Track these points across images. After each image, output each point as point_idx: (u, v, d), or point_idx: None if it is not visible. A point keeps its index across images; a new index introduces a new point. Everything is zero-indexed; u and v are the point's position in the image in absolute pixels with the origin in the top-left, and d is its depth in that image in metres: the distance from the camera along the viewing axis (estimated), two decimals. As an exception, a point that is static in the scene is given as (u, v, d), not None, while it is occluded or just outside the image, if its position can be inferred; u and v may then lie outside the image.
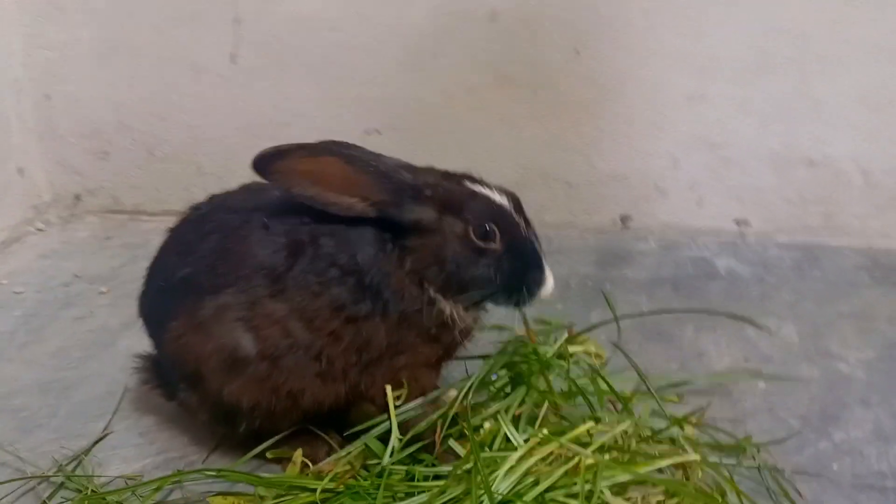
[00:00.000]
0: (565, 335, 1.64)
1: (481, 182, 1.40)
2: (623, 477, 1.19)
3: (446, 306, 1.38)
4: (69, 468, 1.43)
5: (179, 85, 2.35)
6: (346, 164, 1.34)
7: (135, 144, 2.42)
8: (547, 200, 2.46)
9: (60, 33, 2.30)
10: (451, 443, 1.33)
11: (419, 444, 1.41)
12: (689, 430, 1.50)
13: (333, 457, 1.42)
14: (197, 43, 2.31)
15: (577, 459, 1.21)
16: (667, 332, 1.96)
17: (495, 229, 1.34)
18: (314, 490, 1.29)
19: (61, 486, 1.39)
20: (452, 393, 1.46)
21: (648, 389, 1.53)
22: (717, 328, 1.96)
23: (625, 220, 2.50)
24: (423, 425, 1.39)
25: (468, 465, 1.20)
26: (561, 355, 1.55)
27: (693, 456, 1.26)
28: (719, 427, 1.53)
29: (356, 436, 1.43)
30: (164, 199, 2.46)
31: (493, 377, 1.54)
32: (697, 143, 2.39)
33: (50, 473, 1.41)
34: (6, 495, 1.37)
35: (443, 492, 1.21)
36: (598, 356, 1.79)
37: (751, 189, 2.43)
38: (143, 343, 1.59)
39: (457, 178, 1.39)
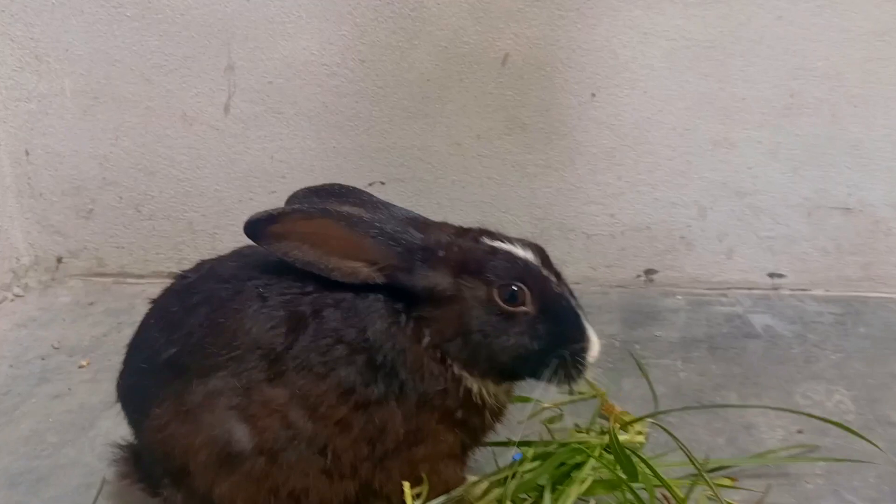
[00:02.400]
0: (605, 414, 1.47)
1: (500, 237, 1.23)
2: None
3: (474, 384, 1.20)
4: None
5: (168, 137, 2.19)
6: (347, 227, 1.17)
7: (121, 201, 2.25)
8: (565, 254, 2.29)
9: (40, 84, 2.15)
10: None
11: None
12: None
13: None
14: (187, 92, 2.16)
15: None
16: (709, 400, 1.78)
17: (524, 289, 1.17)
18: None
19: None
20: (481, 487, 1.27)
21: (703, 478, 1.34)
22: (762, 395, 1.79)
23: (649, 274, 2.33)
24: (446, 527, 1.20)
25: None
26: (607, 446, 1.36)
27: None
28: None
29: (367, 541, 1.24)
30: (152, 259, 2.28)
31: (516, 458, 1.35)
32: (725, 191, 2.24)
33: None
34: None
35: None
36: (638, 433, 1.60)
37: (783, 239, 2.27)
38: (124, 427, 1.40)
39: (472, 235, 1.23)
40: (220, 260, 1.31)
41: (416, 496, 1.21)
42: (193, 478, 1.21)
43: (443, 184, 2.23)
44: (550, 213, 2.27)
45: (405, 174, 2.21)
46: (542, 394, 1.72)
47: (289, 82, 2.15)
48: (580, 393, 1.76)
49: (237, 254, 1.31)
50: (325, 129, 2.19)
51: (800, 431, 1.68)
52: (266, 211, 1.18)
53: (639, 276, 2.34)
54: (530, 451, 1.31)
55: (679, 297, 2.30)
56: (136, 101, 2.17)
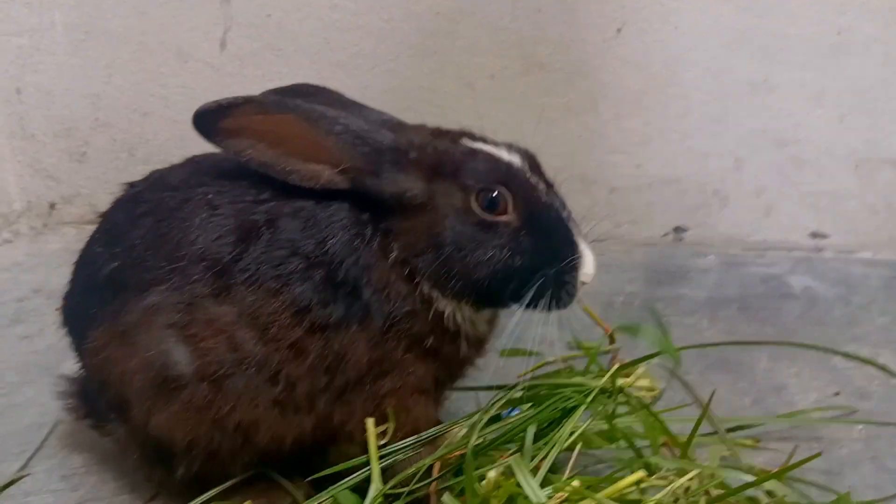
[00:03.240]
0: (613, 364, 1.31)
1: (484, 139, 1.08)
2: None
3: (447, 306, 1.05)
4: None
5: (163, 74, 2.07)
6: (307, 123, 1.03)
7: (114, 144, 2.14)
8: (586, 209, 2.09)
9: (31, 17, 2.04)
10: (448, 499, 0.97)
11: (408, 499, 1.05)
12: (772, 482, 1.13)
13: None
14: (182, 25, 2.03)
15: (623, 525, 0.84)
16: (735, 360, 1.60)
17: (506, 195, 1.01)
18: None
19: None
20: (456, 433, 1.11)
21: (716, 430, 1.16)
22: (797, 356, 1.61)
23: (678, 231, 2.15)
24: (411, 471, 1.04)
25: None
26: (605, 390, 1.19)
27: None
28: (810, 480, 1.16)
29: (327, 483, 1.08)
30: (147, 206, 2.16)
31: (511, 412, 1.18)
32: (763, 140, 2.04)
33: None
34: None
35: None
36: (649, 389, 1.43)
37: (828, 195, 2.07)
38: None
39: (451, 136, 1.08)
40: (172, 168, 1.18)
41: (381, 435, 1.06)
42: (132, 407, 1.07)
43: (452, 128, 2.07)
44: (570, 163, 2.09)
45: (412, 118, 2.01)
46: (547, 348, 1.57)
47: (288, 15, 2.02)
48: (588, 349, 1.60)
49: (190, 161, 1.18)
50: (326, 68, 2.04)
51: (836, 394, 1.49)
52: (217, 101, 1.05)
53: (667, 233, 2.15)
54: (517, 395, 1.15)
55: (711, 256, 2.11)
56: (128, 36, 2.05)
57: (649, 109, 2.05)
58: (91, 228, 2.26)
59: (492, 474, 0.92)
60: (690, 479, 0.97)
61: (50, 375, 1.52)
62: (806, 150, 2.04)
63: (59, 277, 1.91)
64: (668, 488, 0.93)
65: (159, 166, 2.16)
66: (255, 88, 2.04)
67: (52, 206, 2.20)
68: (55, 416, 1.37)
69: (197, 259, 1.04)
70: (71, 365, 1.51)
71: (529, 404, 1.15)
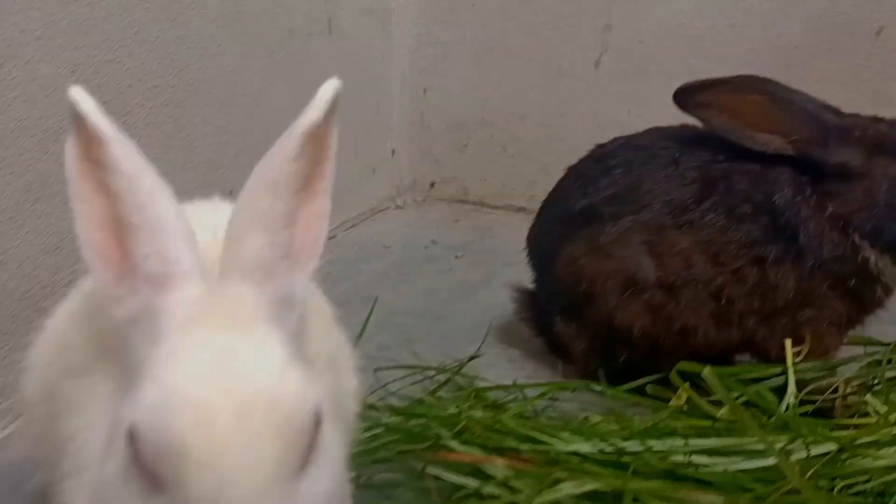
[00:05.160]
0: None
1: None
2: None
3: (872, 255, 1.30)
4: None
5: (542, 86, 2.49)
6: (771, 103, 1.34)
7: (492, 140, 2.59)
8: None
9: (447, 32, 2.55)
10: (870, 398, 1.22)
11: (810, 408, 1.31)
12: None
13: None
14: (566, 46, 2.45)
15: None
16: None
17: None
18: (713, 419, 1.23)
19: (446, 383, 1.47)
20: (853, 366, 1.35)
21: None
22: None
23: None
24: (823, 384, 1.30)
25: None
26: None
27: None
28: None
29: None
30: (508, 193, 2.59)
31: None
32: None
33: (442, 368, 1.49)
34: (395, 380, 1.48)
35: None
36: None
37: None
38: (500, 297, 1.72)
39: (888, 122, 1.34)
40: (635, 134, 1.54)
41: (796, 355, 1.32)
42: (596, 302, 1.42)
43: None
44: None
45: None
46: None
47: (659, 43, 2.36)
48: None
49: (651, 130, 1.53)
50: (684, 89, 2.36)
51: None
52: (698, 80, 1.39)
53: None
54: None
55: None
56: (520, 53, 2.50)
57: None
58: (458, 206, 2.73)
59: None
60: None
61: (469, 298, 1.95)
62: None
63: (448, 236, 2.39)
64: None
65: (523, 161, 2.59)
66: (619, 104, 2.44)
67: (432, 184, 2.69)
68: (486, 323, 1.76)
69: (665, 199, 1.39)
70: (485, 294, 1.94)
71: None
